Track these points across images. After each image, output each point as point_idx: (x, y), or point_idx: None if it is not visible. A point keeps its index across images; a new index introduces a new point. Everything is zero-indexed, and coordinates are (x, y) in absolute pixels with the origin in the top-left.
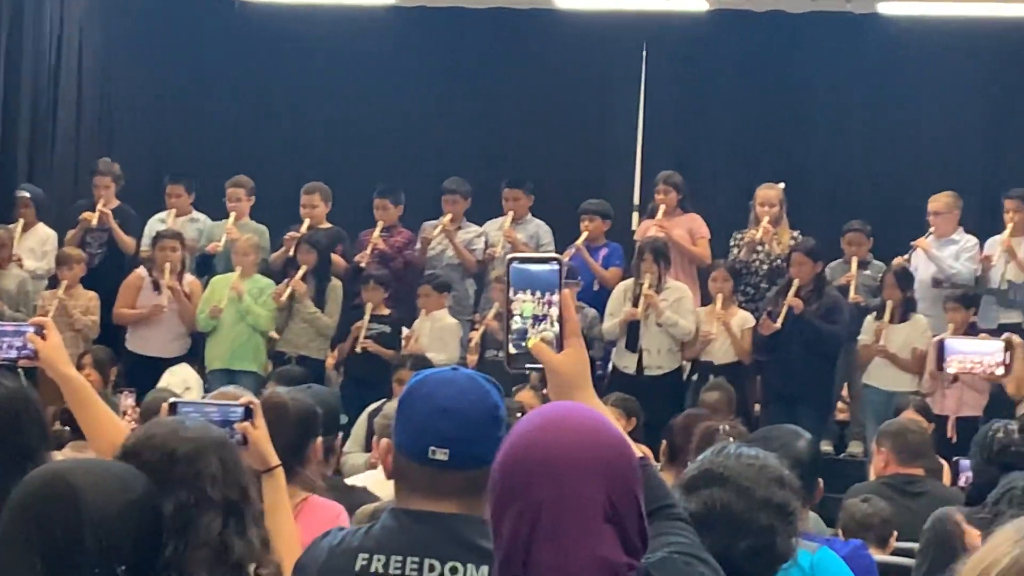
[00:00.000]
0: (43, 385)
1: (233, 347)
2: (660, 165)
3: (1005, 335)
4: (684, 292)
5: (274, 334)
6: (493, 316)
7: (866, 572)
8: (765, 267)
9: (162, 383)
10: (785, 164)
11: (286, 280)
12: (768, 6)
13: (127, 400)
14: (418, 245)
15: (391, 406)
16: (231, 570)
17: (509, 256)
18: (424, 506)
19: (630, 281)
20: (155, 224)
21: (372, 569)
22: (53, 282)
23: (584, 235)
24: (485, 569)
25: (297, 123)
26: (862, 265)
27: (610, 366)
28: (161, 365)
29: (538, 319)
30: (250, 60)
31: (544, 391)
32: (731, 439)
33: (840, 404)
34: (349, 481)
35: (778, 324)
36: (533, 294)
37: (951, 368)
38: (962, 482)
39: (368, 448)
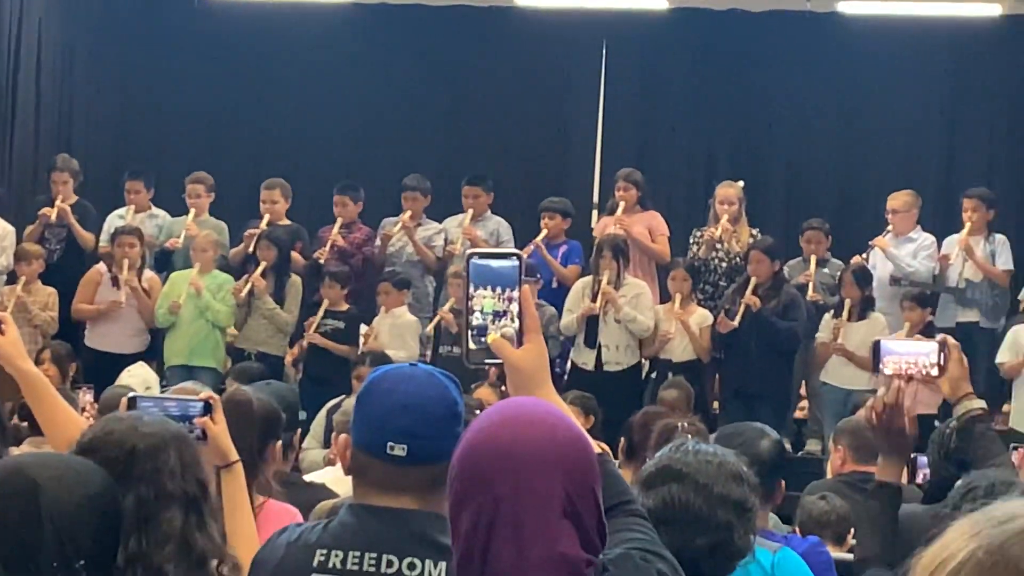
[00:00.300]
0: (1, 380)
1: (192, 343)
2: (620, 162)
3: (940, 336)
4: (642, 289)
5: (232, 331)
6: (448, 309)
7: (823, 569)
8: (724, 265)
9: (121, 383)
10: (744, 162)
11: (246, 276)
12: (728, 4)
13: (86, 396)
14: (378, 242)
15: (350, 403)
16: (195, 565)
17: (469, 252)
18: (382, 502)
19: (589, 278)
20: (114, 220)
21: (330, 565)
22: (11, 278)
23: (544, 232)
24: (443, 565)
25: (257, 120)
26: (820, 263)
27: (568, 363)
28: (120, 361)
29: (498, 315)
30: (210, 57)
31: (503, 387)
32: (690, 436)
33: (801, 404)
34: (307, 478)
35: (736, 322)
36: (493, 290)
37: (887, 369)
38: (919, 479)
39: (327, 444)
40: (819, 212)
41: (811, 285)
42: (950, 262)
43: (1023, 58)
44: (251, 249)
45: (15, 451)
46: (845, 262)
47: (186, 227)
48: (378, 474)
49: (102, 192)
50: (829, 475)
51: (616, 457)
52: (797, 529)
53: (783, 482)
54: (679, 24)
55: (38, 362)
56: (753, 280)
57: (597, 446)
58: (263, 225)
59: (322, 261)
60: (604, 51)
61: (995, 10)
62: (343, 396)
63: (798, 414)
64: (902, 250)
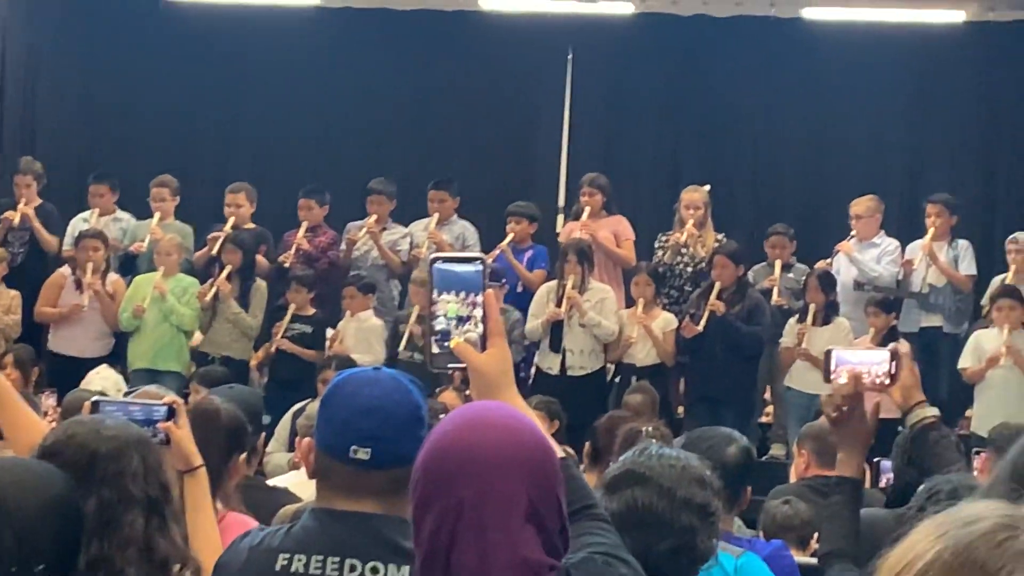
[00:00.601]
0: None
1: (156, 347)
2: (585, 167)
3: (891, 344)
4: (607, 293)
5: (197, 336)
6: (415, 321)
7: (787, 573)
8: (689, 270)
9: (91, 385)
10: (710, 167)
11: (210, 280)
12: (693, 10)
13: (48, 400)
14: (343, 246)
15: (314, 406)
16: (157, 568)
17: (432, 256)
18: (345, 506)
19: (553, 282)
20: (78, 223)
21: (293, 569)
22: None
23: (510, 237)
24: (406, 569)
25: (222, 123)
26: (785, 268)
27: (533, 368)
28: (83, 365)
29: (462, 319)
30: (175, 60)
31: (466, 392)
32: (654, 441)
33: (767, 409)
34: (271, 482)
35: (700, 327)
36: (457, 294)
37: (840, 379)
38: (882, 484)
39: (291, 448)
40: (784, 217)
41: (776, 290)
42: (914, 267)
43: (986, 64)
44: (215, 252)
45: None
46: (810, 267)
47: (151, 230)
48: (341, 478)
49: (66, 195)
50: (793, 479)
51: (581, 461)
52: (761, 533)
53: (749, 488)
54: (645, 29)
55: (0, 366)
56: (718, 285)
57: (561, 450)
58: (227, 228)
59: (287, 265)
60: (570, 56)
61: (958, 16)
62: (308, 400)
63: (762, 419)
64: (866, 255)
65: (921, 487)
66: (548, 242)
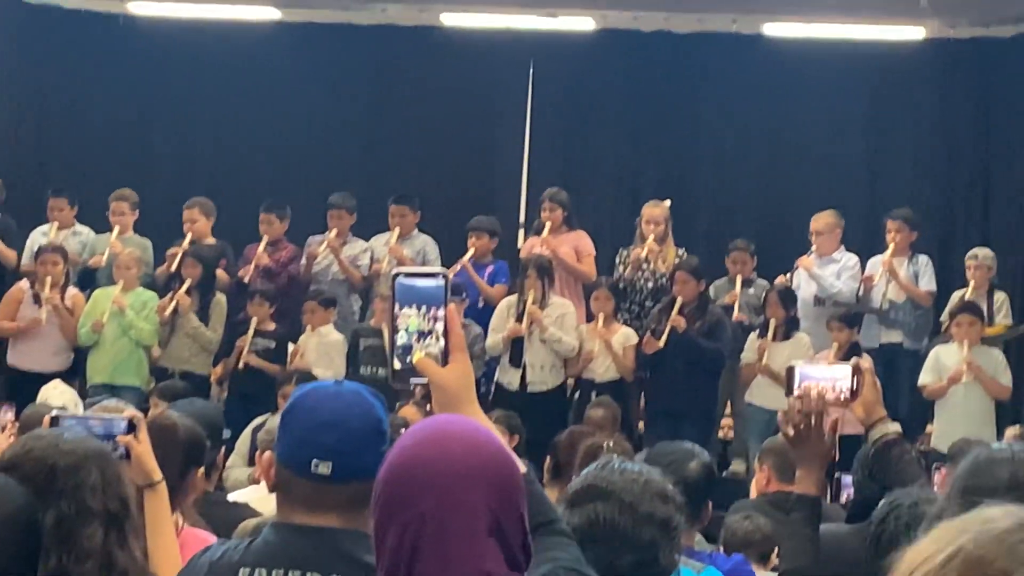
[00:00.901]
0: None
1: (115, 362)
2: (546, 182)
3: (853, 360)
4: (568, 309)
5: (156, 350)
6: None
7: None
8: (650, 285)
9: (49, 400)
10: (671, 182)
11: (170, 294)
12: (655, 26)
13: (6, 415)
14: (303, 260)
15: (275, 421)
16: None
17: (394, 271)
18: (306, 520)
19: (514, 297)
20: (37, 237)
21: None
22: None
23: (471, 252)
24: None
25: (183, 138)
26: (746, 283)
27: (493, 383)
28: (42, 380)
29: (423, 334)
30: (135, 74)
31: (428, 406)
32: (615, 456)
33: (723, 422)
34: (231, 497)
35: (661, 342)
36: (418, 309)
37: (802, 394)
38: (843, 499)
39: (251, 463)
40: (744, 232)
41: (736, 305)
42: (874, 283)
43: (946, 81)
44: (173, 268)
45: None
46: (770, 282)
47: (110, 244)
48: (302, 492)
49: (25, 209)
50: (754, 495)
51: (542, 477)
52: (722, 548)
53: (710, 503)
54: (606, 45)
55: None
56: (679, 301)
57: (522, 464)
58: (185, 244)
59: (247, 280)
60: (531, 71)
61: (918, 33)
62: (268, 414)
63: (723, 434)
64: (826, 270)
65: (882, 502)
66: (509, 257)
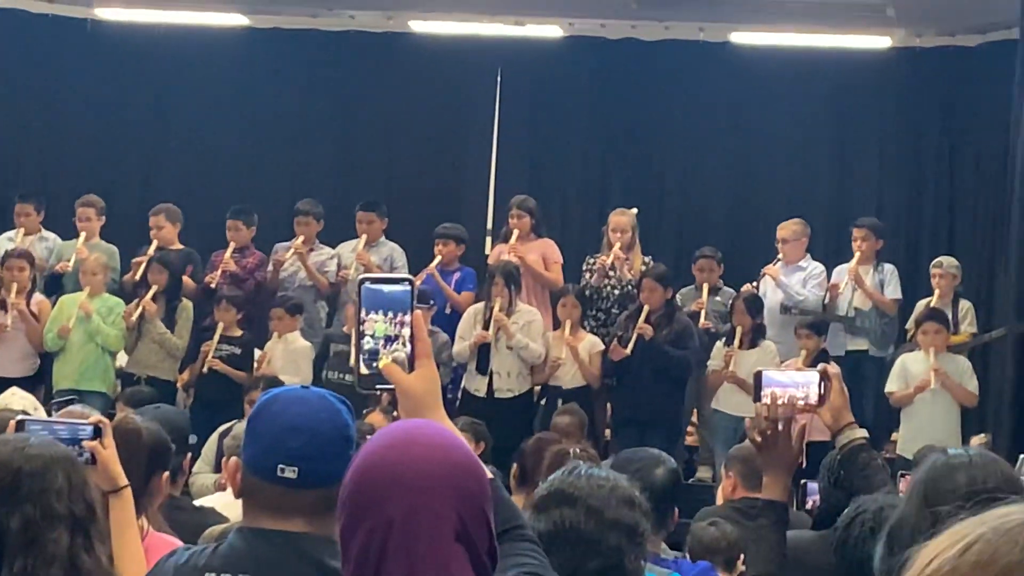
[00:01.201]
0: None
1: (81, 367)
2: (514, 190)
3: (820, 365)
4: (534, 316)
5: (121, 357)
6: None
7: None
8: (616, 292)
9: (10, 406)
10: (638, 190)
11: (136, 300)
12: (622, 33)
13: None
14: (270, 267)
15: (241, 427)
16: None
17: (360, 276)
18: (272, 525)
19: (481, 304)
20: (3, 243)
21: None
22: None
23: (437, 259)
24: None
25: (150, 143)
26: (712, 291)
27: (461, 390)
28: (7, 385)
29: (390, 339)
30: (103, 79)
31: (394, 413)
32: (582, 462)
33: (689, 429)
34: (197, 503)
35: (628, 350)
36: (385, 314)
37: (769, 400)
38: (808, 505)
39: (218, 469)
40: (711, 240)
41: (703, 313)
42: (840, 291)
43: (912, 90)
44: (138, 276)
45: None
46: (736, 290)
47: (76, 250)
48: (268, 497)
49: None
50: (720, 501)
51: (508, 484)
52: (687, 555)
53: (677, 510)
54: (574, 52)
55: None
56: (646, 308)
57: (489, 470)
58: (151, 251)
59: (213, 286)
60: (499, 78)
61: (884, 42)
62: (235, 421)
63: (689, 441)
64: (792, 279)
65: (847, 508)
66: (477, 264)
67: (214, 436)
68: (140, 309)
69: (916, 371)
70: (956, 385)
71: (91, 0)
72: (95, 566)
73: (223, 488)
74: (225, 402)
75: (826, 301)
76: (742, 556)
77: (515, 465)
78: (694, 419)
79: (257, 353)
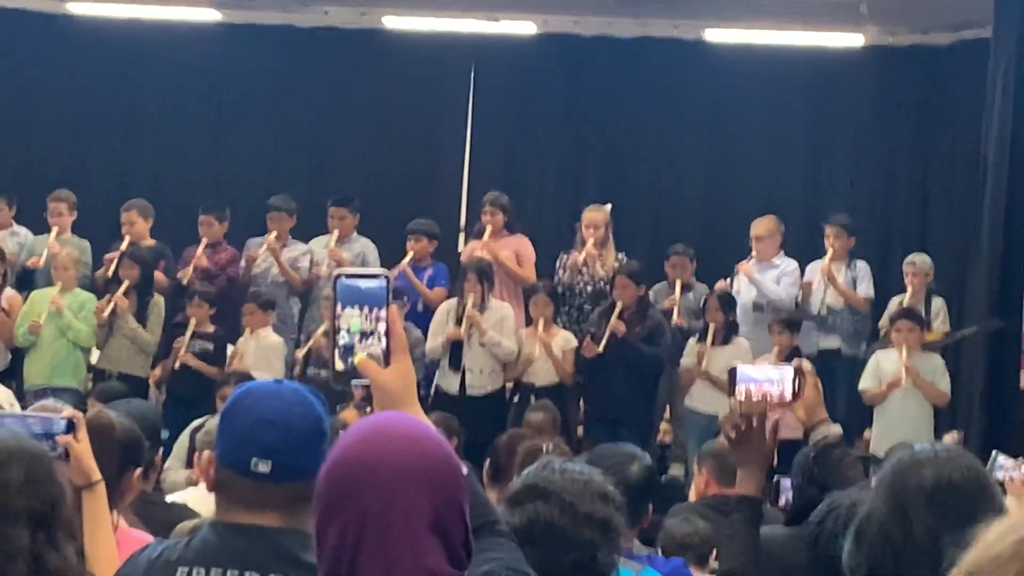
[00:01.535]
0: None
1: (53, 363)
2: (487, 185)
3: (795, 361)
4: (507, 312)
5: (93, 353)
6: (322, 333)
7: None
8: (589, 289)
9: None
10: (611, 186)
11: (108, 295)
12: (596, 30)
13: None
14: (243, 262)
15: (213, 423)
16: None
17: (336, 271)
18: (246, 519)
19: (453, 301)
20: None
21: None
22: None
23: (410, 255)
24: None
25: (122, 138)
26: (685, 288)
27: (433, 387)
28: None
29: (365, 335)
30: (75, 73)
31: (368, 408)
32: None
33: (662, 426)
34: (169, 498)
35: (601, 347)
36: (360, 309)
37: (743, 396)
38: (781, 503)
39: (190, 465)
40: (684, 237)
41: (676, 310)
42: (812, 289)
43: (885, 87)
44: (110, 272)
45: None
46: (710, 287)
47: (48, 245)
48: (242, 491)
49: None
50: (693, 498)
51: (481, 480)
52: (660, 551)
53: (651, 506)
54: (547, 49)
55: None
56: (619, 305)
57: (463, 465)
58: (123, 247)
59: (185, 282)
60: (472, 74)
61: (857, 40)
62: (207, 416)
63: (660, 438)
64: (765, 276)
65: (821, 504)
66: (450, 261)
67: (186, 432)
68: (112, 305)
69: (890, 369)
70: (928, 384)
71: None
72: (61, 563)
73: (195, 484)
74: (197, 398)
75: (799, 299)
76: (715, 552)
77: (488, 461)
78: (667, 416)
79: (230, 349)
